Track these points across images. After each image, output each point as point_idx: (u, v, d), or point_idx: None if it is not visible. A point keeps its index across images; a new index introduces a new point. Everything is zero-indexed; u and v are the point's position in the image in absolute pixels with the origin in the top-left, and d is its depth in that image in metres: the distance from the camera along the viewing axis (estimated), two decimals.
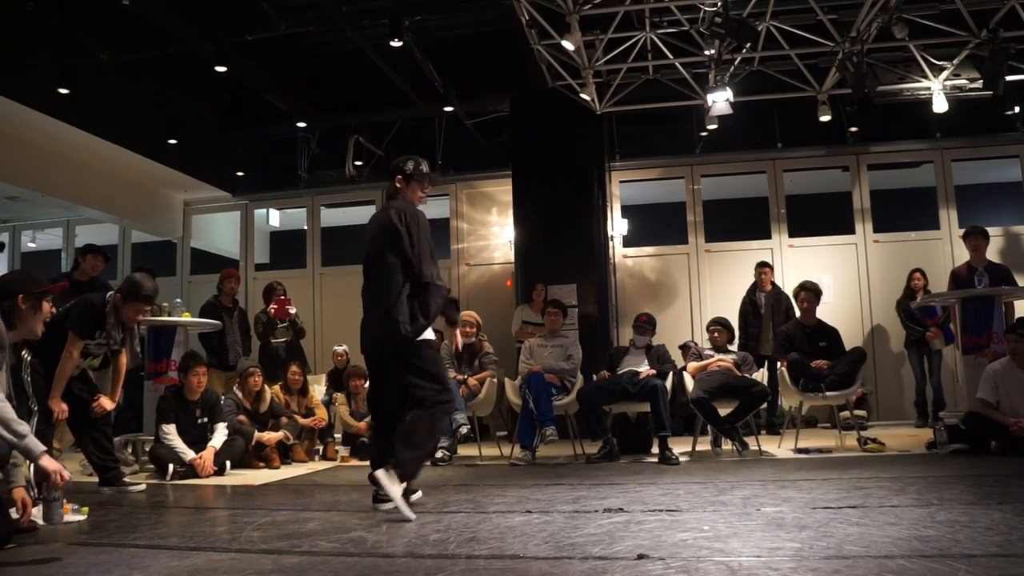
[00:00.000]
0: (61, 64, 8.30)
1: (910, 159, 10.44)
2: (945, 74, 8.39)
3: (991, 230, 7.77)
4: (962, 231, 8.10)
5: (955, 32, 7.77)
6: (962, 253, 7.83)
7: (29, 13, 7.75)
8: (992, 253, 7.68)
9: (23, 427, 3.32)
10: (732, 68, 8.39)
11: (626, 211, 10.64)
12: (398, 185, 4.46)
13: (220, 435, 6.18)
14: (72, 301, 5.15)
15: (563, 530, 3.32)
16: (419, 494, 4.29)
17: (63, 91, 8.27)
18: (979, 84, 8.23)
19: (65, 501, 3.95)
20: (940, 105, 8.41)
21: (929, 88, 8.54)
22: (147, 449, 6.36)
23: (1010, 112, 9.66)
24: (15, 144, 8.77)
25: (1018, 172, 9.92)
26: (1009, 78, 7.89)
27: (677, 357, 8.08)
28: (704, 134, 9.92)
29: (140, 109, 9.56)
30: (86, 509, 4.01)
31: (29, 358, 4.81)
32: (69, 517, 3.86)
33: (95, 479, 5.20)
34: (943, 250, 9.71)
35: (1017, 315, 6.79)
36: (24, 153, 8.93)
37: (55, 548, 3.26)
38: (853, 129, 10.12)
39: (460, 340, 5.04)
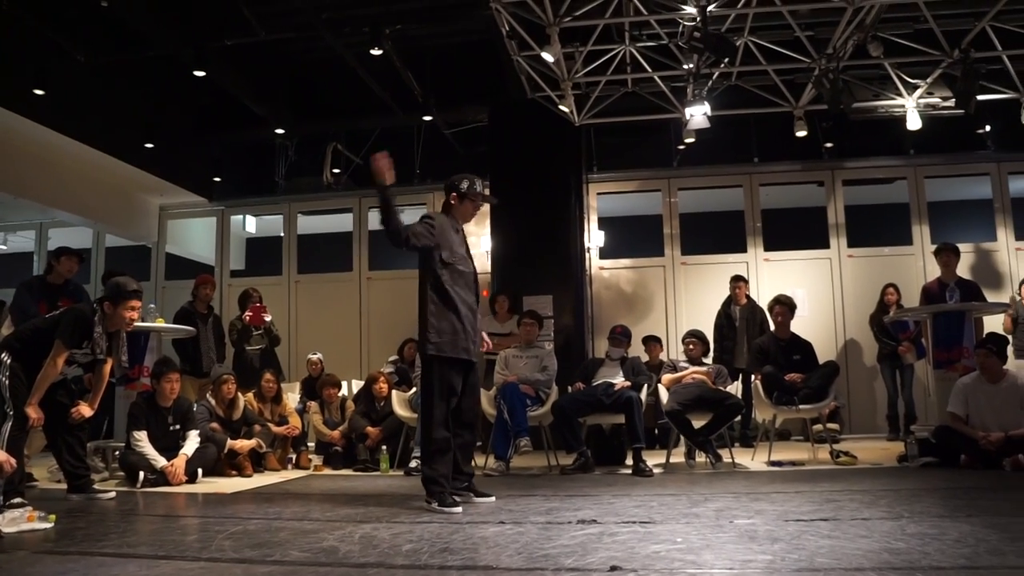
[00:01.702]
0: (37, 65, 8.21)
1: (884, 175, 10.57)
2: (919, 92, 8.52)
3: (962, 246, 7.88)
4: (934, 247, 8.20)
5: (928, 51, 7.90)
6: (934, 269, 7.92)
7: (4, 12, 7.66)
8: (962, 269, 7.80)
9: None
10: (710, 82, 8.47)
11: (603, 223, 10.67)
12: (452, 202, 4.78)
13: (192, 442, 6.12)
14: (60, 309, 5.10)
15: (536, 541, 3.32)
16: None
17: (38, 92, 8.18)
18: (951, 103, 8.36)
19: (31, 509, 3.91)
20: (914, 122, 8.54)
21: (903, 105, 8.67)
22: (117, 456, 6.29)
23: (981, 131, 9.81)
24: None
25: (988, 189, 10.07)
26: (980, 97, 8.02)
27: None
28: (681, 147, 9.98)
29: (117, 112, 9.47)
30: (53, 516, 3.95)
31: (9, 361, 4.75)
32: (35, 525, 3.81)
33: (63, 486, 5.14)
34: (916, 265, 9.83)
35: (987, 330, 6.88)
36: None
37: (20, 556, 3.21)
38: (828, 145, 10.23)
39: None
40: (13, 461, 3.29)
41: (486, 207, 6.01)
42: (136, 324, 6.53)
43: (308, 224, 11.85)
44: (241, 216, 11.89)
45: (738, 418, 7.15)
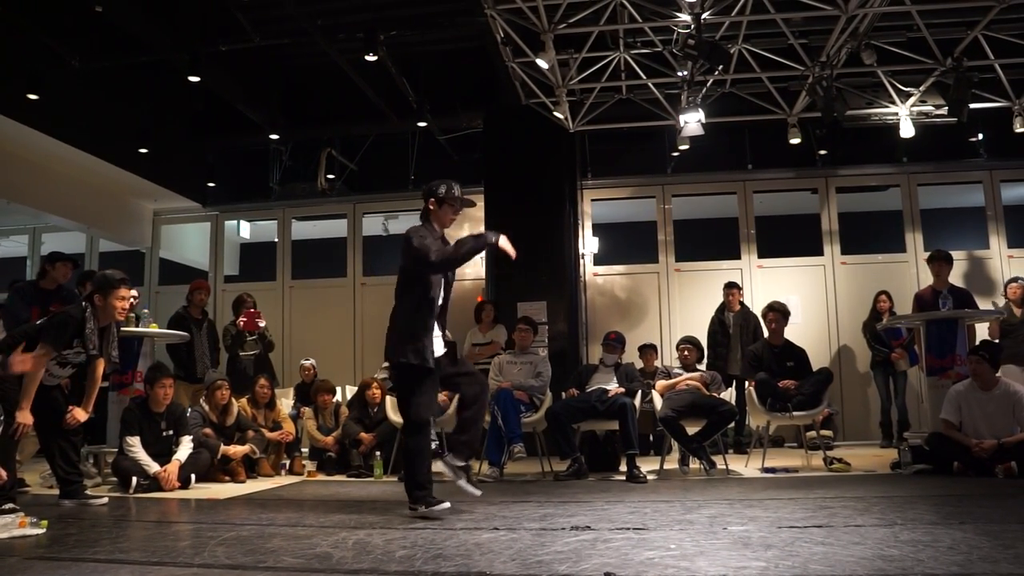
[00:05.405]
0: (31, 69, 8.19)
1: (877, 183, 10.62)
2: (912, 100, 8.56)
3: (954, 254, 7.91)
4: (927, 254, 8.23)
5: (921, 60, 7.94)
6: (927, 276, 7.95)
7: None
8: (955, 277, 7.81)
9: None
10: (704, 90, 8.50)
11: (597, 229, 10.69)
12: (431, 208, 4.67)
13: (185, 448, 6.10)
14: (49, 314, 5.07)
15: (530, 547, 3.31)
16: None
17: (32, 97, 8.17)
18: (944, 111, 8.39)
19: (23, 514, 3.89)
20: (907, 130, 8.57)
21: (896, 113, 8.70)
22: (110, 461, 6.26)
23: (973, 139, 9.87)
24: None
25: (981, 197, 10.11)
26: (972, 106, 8.06)
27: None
28: (676, 154, 10.02)
29: (111, 117, 9.46)
30: (45, 522, 3.93)
31: None
32: (27, 530, 3.79)
33: (55, 491, 5.12)
34: (908, 273, 9.86)
35: (979, 338, 6.90)
36: None
37: (11, 563, 3.19)
38: (822, 152, 10.27)
39: None
40: (3, 474, 3.28)
41: (470, 212, 5.90)
42: (131, 329, 6.56)
43: (302, 230, 11.85)
44: (235, 221, 11.86)
45: (732, 425, 7.15)
